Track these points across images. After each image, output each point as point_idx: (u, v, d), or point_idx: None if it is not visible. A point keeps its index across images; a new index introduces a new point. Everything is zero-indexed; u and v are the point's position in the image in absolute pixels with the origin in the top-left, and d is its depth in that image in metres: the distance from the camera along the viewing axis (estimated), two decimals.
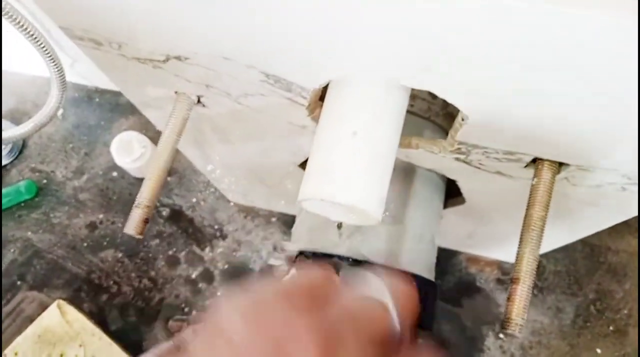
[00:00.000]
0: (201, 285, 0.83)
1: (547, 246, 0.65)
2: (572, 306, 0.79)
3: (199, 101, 0.44)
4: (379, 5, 0.26)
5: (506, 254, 0.79)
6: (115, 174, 0.90)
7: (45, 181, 0.90)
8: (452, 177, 0.47)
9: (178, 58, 0.36)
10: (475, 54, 0.28)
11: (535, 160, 0.39)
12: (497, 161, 0.41)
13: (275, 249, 0.81)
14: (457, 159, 0.42)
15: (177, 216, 0.87)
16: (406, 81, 0.33)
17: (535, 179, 0.38)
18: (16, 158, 0.92)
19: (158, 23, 0.32)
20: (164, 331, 0.81)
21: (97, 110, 0.95)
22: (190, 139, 0.56)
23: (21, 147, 0.93)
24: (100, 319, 0.81)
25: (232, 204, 0.87)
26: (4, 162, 0.91)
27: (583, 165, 0.38)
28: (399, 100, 0.35)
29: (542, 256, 0.77)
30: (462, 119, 0.35)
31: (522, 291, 0.36)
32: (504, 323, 0.36)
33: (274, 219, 0.86)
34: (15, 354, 0.80)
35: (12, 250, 0.86)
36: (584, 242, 0.81)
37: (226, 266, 0.84)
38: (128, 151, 0.82)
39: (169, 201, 0.88)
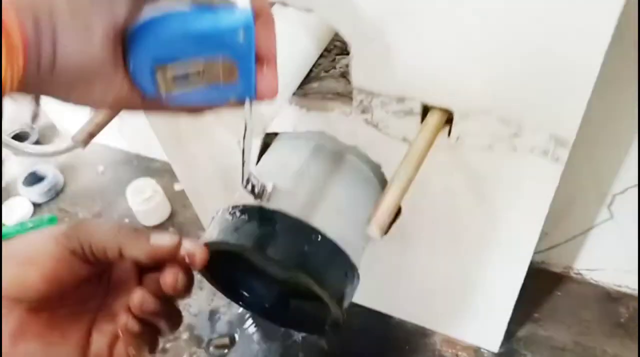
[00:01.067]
0: None
1: (496, 267, 0.61)
2: None
3: None
4: None
5: (485, 340, 0.73)
6: (127, 220, 0.98)
7: (66, 219, 1.00)
8: (370, 153, 0.50)
9: None
10: None
11: (425, 113, 0.43)
12: (396, 118, 0.45)
13: None
14: (366, 121, 0.47)
15: None
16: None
17: (422, 124, 0.42)
18: (51, 199, 1.04)
19: None
20: None
21: (131, 171, 1.08)
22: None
23: (59, 191, 1.05)
24: None
25: None
26: (40, 200, 1.03)
27: (461, 109, 0.41)
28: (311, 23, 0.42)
29: (524, 349, 0.71)
30: (351, 54, 0.42)
31: (390, 196, 0.37)
32: (368, 220, 0.37)
33: None
34: None
35: None
36: (575, 341, 0.73)
37: (196, 314, 0.83)
38: (140, 192, 0.91)
39: None
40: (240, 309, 0.83)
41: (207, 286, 0.86)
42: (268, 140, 0.60)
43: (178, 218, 0.97)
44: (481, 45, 0.36)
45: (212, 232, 0.48)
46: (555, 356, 0.72)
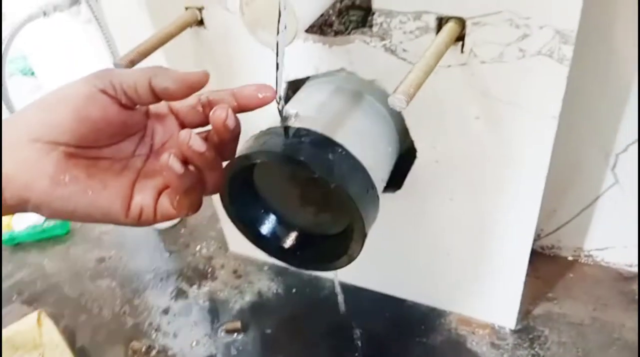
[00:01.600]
0: (177, 316, 0.81)
1: (509, 216, 0.62)
2: None
3: (201, 22, 0.60)
4: None
5: (501, 317, 0.72)
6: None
7: (79, 225, 1.01)
8: (389, 85, 0.54)
9: None
10: None
11: (439, 28, 0.47)
12: (413, 39, 0.49)
13: None
14: (385, 48, 0.51)
15: (177, 258, 0.91)
16: None
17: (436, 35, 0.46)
18: None
19: None
20: (125, 352, 0.76)
21: None
22: None
23: None
24: (71, 335, 0.80)
25: (229, 253, 0.90)
26: None
27: (473, 14, 0.45)
28: None
29: (542, 326, 0.71)
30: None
31: (413, 74, 0.41)
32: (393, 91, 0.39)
33: (266, 268, 0.86)
34: None
35: (24, 271, 0.92)
36: (592, 317, 0.72)
37: (206, 303, 0.82)
38: None
39: (173, 247, 0.93)
40: (252, 298, 0.82)
41: (220, 276, 0.86)
42: (290, 91, 0.64)
43: (191, 221, 0.98)
44: None
45: (239, 150, 0.50)
46: (574, 331, 0.71)
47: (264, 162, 0.48)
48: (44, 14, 0.85)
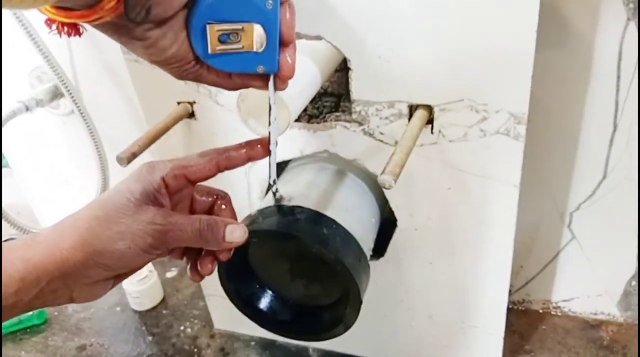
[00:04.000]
0: None
1: (485, 273, 0.67)
2: None
3: (192, 115, 0.65)
4: None
5: None
6: (118, 309, 0.99)
7: (56, 313, 0.99)
8: (368, 162, 0.60)
9: None
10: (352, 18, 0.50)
11: (411, 113, 0.55)
12: (388, 123, 0.56)
13: None
14: (363, 132, 0.58)
15: (160, 341, 0.90)
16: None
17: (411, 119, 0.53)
18: None
19: None
20: None
21: None
22: None
23: None
24: None
25: (214, 331, 0.91)
26: None
27: (439, 102, 0.53)
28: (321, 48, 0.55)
29: None
30: (351, 70, 0.54)
31: (397, 156, 0.47)
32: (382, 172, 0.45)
33: (253, 343, 0.87)
34: None
35: None
36: None
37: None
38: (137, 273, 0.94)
39: (155, 329, 0.93)
40: None
41: (207, 355, 0.86)
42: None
43: (172, 301, 0.99)
44: (445, 49, 0.50)
45: None
46: None
47: (259, 240, 0.52)
48: (27, 109, 0.89)
